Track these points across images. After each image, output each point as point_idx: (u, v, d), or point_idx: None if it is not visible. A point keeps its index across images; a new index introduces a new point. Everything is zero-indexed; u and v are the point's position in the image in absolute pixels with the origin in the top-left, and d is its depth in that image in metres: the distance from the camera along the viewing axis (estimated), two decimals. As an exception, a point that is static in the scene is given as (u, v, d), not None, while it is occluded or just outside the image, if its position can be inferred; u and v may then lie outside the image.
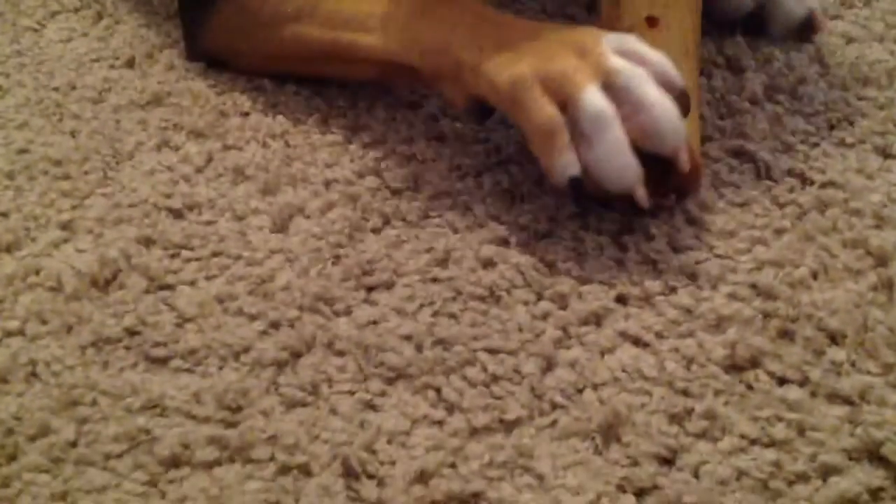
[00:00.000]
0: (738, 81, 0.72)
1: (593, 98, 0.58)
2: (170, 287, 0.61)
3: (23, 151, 0.72)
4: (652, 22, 0.63)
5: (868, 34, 0.76)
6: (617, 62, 0.59)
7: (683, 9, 0.65)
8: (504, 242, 0.63)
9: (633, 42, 0.61)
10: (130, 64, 0.81)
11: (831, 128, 0.69)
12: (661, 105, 0.58)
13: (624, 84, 0.58)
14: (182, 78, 0.78)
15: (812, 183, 0.65)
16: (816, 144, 0.67)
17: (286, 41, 0.74)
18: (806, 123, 0.69)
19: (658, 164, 0.59)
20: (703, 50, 0.75)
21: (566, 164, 0.59)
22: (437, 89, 0.70)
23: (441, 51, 0.65)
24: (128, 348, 0.56)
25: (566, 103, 0.59)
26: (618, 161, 0.58)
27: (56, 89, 0.78)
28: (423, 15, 0.67)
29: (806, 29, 0.78)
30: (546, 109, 0.59)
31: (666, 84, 0.59)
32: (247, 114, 0.75)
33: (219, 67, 0.79)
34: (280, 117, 0.74)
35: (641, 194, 0.59)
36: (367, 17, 0.70)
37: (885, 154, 0.67)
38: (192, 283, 0.61)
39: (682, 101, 0.59)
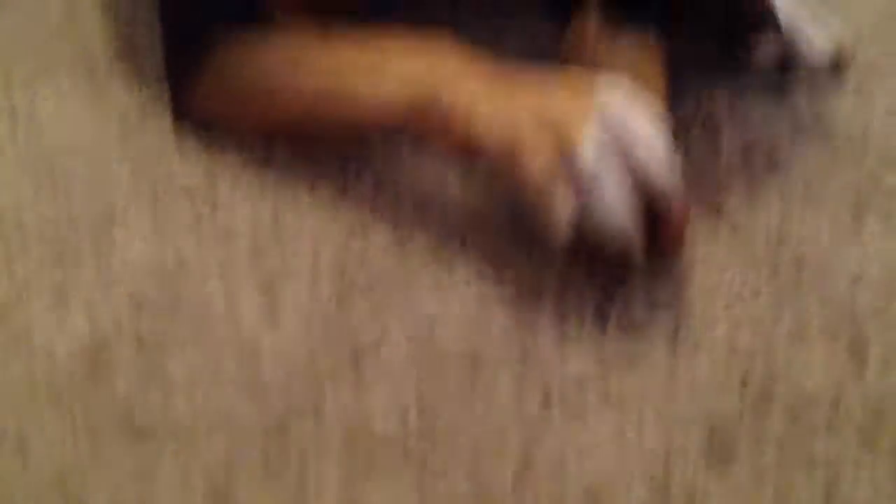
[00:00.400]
0: (715, 141, 0.74)
1: (589, 140, 0.59)
2: (159, 352, 0.62)
3: (14, 215, 0.73)
4: (616, 71, 0.66)
5: (842, 90, 0.78)
6: (611, 102, 0.60)
7: (655, 65, 0.68)
8: (489, 305, 0.64)
9: (623, 83, 0.62)
10: (123, 124, 0.82)
11: (806, 187, 0.70)
12: (653, 147, 0.59)
13: (616, 124, 0.59)
14: (172, 139, 0.79)
15: (788, 243, 0.66)
16: (791, 204, 0.69)
17: (274, 96, 0.75)
18: (781, 183, 0.71)
19: (646, 223, 0.60)
20: (680, 109, 0.77)
21: (562, 209, 0.60)
22: (425, 139, 0.70)
23: (431, 99, 0.65)
24: (117, 417, 0.57)
25: (563, 147, 0.60)
26: (616, 201, 0.59)
27: (47, 149, 0.79)
28: (412, 61, 0.68)
29: (836, 64, 0.79)
30: (543, 154, 0.60)
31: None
32: (237, 174, 0.76)
33: (208, 129, 0.80)
34: (270, 178, 0.75)
35: (637, 241, 0.60)
36: (356, 66, 0.71)
37: (857, 213, 0.68)
38: (181, 348, 0.62)
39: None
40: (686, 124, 0.75)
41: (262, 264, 0.68)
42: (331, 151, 0.77)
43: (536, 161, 0.60)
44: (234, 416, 0.57)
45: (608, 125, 0.60)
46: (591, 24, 0.70)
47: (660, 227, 0.61)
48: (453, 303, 0.64)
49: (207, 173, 0.76)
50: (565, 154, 0.60)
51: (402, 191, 0.74)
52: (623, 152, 0.59)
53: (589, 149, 0.59)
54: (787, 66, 0.79)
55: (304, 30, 0.74)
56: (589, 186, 0.59)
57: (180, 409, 0.58)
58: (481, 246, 0.68)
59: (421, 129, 0.68)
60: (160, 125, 0.81)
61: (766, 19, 0.74)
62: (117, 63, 0.90)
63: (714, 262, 0.66)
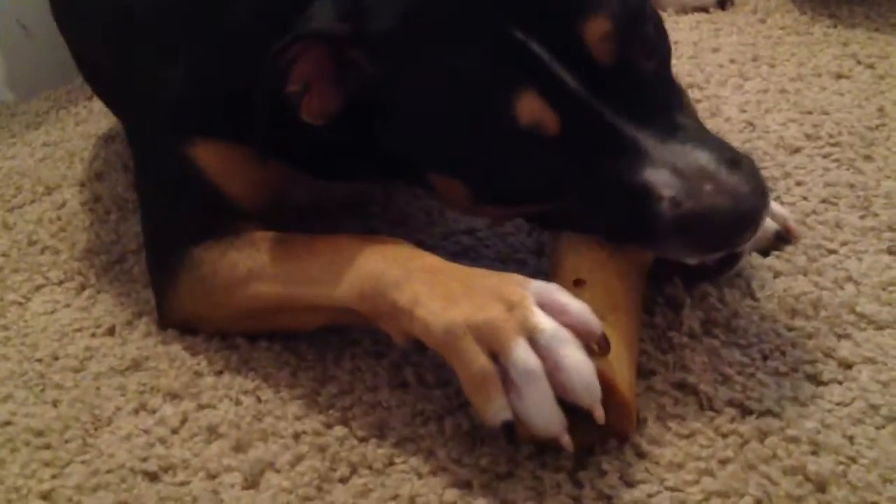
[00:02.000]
0: (677, 317, 0.78)
1: (523, 353, 0.63)
2: (145, 551, 0.63)
3: (6, 424, 0.75)
4: (578, 283, 0.70)
5: (793, 267, 0.83)
6: (540, 320, 0.64)
7: (610, 273, 0.72)
8: (466, 485, 0.66)
9: (554, 292, 0.66)
10: (111, 332, 0.86)
11: (765, 358, 0.74)
12: (577, 367, 0.62)
13: (545, 344, 0.63)
14: (160, 342, 0.83)
15: (751, 412, 0.69)
16: (752, 375, 0.72)
17: (241, 301, 0.79)
18: (741, 355, 0.74)
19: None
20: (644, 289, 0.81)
21: (498, 409, 0.63)
22: (379, 328, 0.73)
23: (378, 295, 0.70)
24: None
25: (498, 354, 0.64)
26: (544, 412, 0.62)
27: (39, 360, 0.83)
28: (361, 261, 0.73)
29: (781, 240, 0.85)
30: (479, 359, 0.64)
31: (584, 332, 0.64)
32: (221, 372, 0.79)
33: (193, 331, 0.84)
34: (252, 373, 0.78)
35: (566, 441, 0.63)
36: (312, 269, 0.76)
37: (816, 381, 0.71)
38: (167, 546, 0.63)
39: (602, 344, 0.64)
40: (650, 303, 0.80)
41: (245, 458, 0.70)
42: (311, 342, 0.80)
43: (474, 362, 0.64)
44: None
45: (537, 341, 0.63)
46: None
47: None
48: (432, 485, 0.66)
49: (193, 373, 0.79)
50: (498, 362, 0.63)
51: (381, 375, 0.77)
52: (551, 366, 0.63)
53: (521, 356, 0.63)
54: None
55: (262, 238, 0.80)
56: (521, 390, 0.63)
57: None
58: (459, 427, 0.70)
59: (370, 313, 0.72)
60: (148, 331, 0.85)
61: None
62: (106, 275, 0.95)
63: (682, 434, 0.68)
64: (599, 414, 0.62)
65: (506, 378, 0.63)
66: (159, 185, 0.87)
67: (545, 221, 0.78)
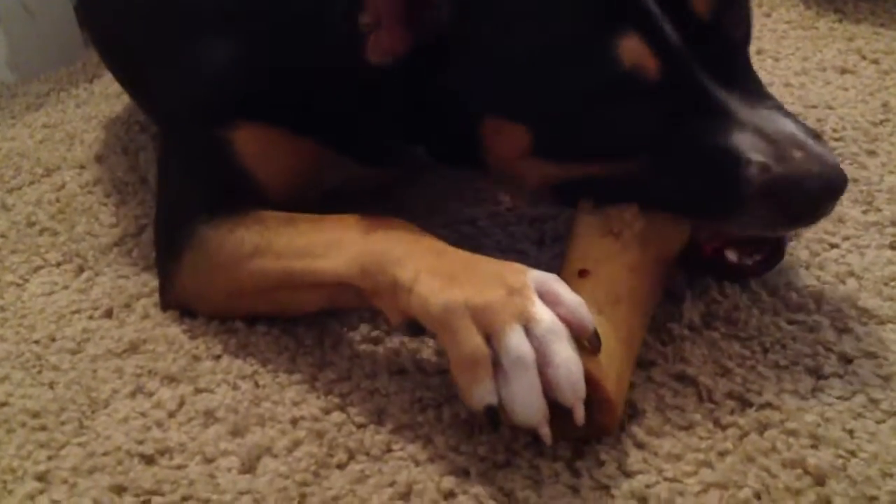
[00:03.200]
0: (677, 310, 0.78)
1: (517, 339, 0.62)
2: (141, 534, 0.63)
3: (2, 405, 0.75)
4: (583, 273, 0.70)
5: (794, 261, 0.83)
6: (539, 310, 0.63)
7: (617, 265, 0.71)
8: (464, 473, 0.65)
9: (552, 282, 0.65)
10: (109, 314, 0.85)
11: (766, 351, 0.73)
12: (566, 365, 0.62)
13: (540, 335, 0.62)
14: (158, 325, 0.82)
15: (751, 405, 0.68)
16: (753, 367, 0.72)
17: (244, 277, 0.79)
18: (741, 348, 0.74)
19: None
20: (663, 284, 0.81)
21: (484, 392, 0.63)
22: (376, 307, 0.73)
23: (380, 270, 0.70)
24: None
25: (492, 336, 0.63)
26: (529, 401, 0.62)
27: (37, 342, 0.82)
28: (366, 237, 0.73)
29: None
30: (474, 339, 0.63)
31: (576, 326, 0.63)
32: (219, 356, 0.79)
33: (192, 315, 0.83)
34: (250, 358, 0.78)
35: (545, 433, 0.63)
36: (317, 245, 0.75)
37: (817, 375, 0.71)
38: (163, 529, 0.63)
39: (592, 342, 0.64)
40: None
41: (243, 442, 0.69)
42: (309, 327, 0.80)
43: (469, 342, 0.63)
44: (212, 592, 0.57)
45: (532, 331, 0.63)
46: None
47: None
48: (430, 472, 0.66)
49: (191, 357, 0.79)
50: (491, 345, 0.63)
51: (379, 361, 0.76)
52: (541, 359, 0.62)
53: (516, 343, 0.62)
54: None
55: (271, 216, 0.79)
56: (509, 376, 0.62)
57: (159, 587, 0.58)
58: (457, 416, 0.70)
59: (370, 288, 0.71)
60: (146, 314, 0.85)
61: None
62: (104, 257, 0.94)
63: (681, 425, 0.68)
64: (580, 415, 0.62)
65: (496, 362, 0.63)
66: (184, 165, 0.86)
67: (593, 191, 0.74)
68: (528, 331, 0.63)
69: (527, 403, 0.62)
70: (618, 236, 0.72)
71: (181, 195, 0.86)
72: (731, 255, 0.76)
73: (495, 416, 0.63)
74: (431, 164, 0.85)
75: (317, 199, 0.85)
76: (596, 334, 0.64)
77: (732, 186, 0.68)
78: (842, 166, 0.95)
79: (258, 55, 0.82)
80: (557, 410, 0.63)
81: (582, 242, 0.73)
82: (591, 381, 0.63)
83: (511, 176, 0.78)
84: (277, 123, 0.82)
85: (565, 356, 0.62)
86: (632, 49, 0.67)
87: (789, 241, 0.82)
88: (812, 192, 0.67)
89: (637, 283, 0.71)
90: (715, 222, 0.72)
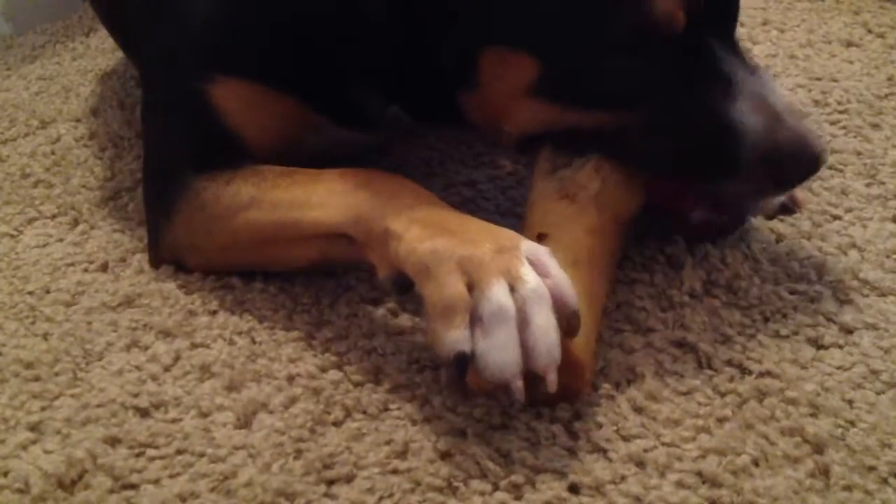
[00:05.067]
0: (678, 277, 0.77)
1: (500, 292, 0.61)
2: (134, 486, 0.62)
3: (-5, 354, 0.74)
4: (541, 236, 0.69)
5: (796, 232, 0.82)
6: (526, 271, 0.62)
7: (575, 227, 0.70)
8: (461, 434, 0.65)
9: (544, 254, 0.65)
10: (104, 268, 0.84)
11: (766, 320, 0.73)
12: (544, 330, 0.61)
13: (524, 295, 0.61)
14: (153, 280, 0.82)
15: (750, 373, 0.68)
16: (753, 336, 0.71)
17: (239, 229, 0.78)
18: (742, 316, 0.73)
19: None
20: (645, 248, 0.80)
21: (458, 339, 0.61)
22: (367, 259, 0.72)
23: (374, 218, 0.70)
24: (91, 548, 0.57)
25: (473, 287, 0.62)
26: (504, 355, 0.60)
27: (31, 293, 0.81)
28: (364, 187, 0.72)
29: (787, 210, 0.83)
30: (456, 285, 0.62)
31: (560, 303, 0.62)
32: (215, 312, 0.78)
33: (187, 270, 0.82)
34: (247, 314, 0.77)
35: (518, 386, 0.61)
36: (313, 195, 0.75)
37: (817, 345, 0.71)
38: (156, 482, 0.62)
39: (572, 321, 0.63)
40: (650, 262, 0.79)
41: (238, 398, 0.69)
42: (307, 286, 0.79)
43: (450, 287, 0.62)
44: (207, 545, 0.57)
45: (516, 290, 0.62)
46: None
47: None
48: (426, 432, 0.65)
49: (186, 312, 0.78)
50: (472, 295, 0.62)
51: (377, 321, 0.76)
52: (521, 319, 0.61)
53: (499, 295, 0.61)
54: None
55: (268, 169, 0.79)
56: (487, 327, 0.61)
57: (153, 539, 0.58)
58: (453, 374, 0.69)
59: (362, 237, 0.71)
60: (141, 268, 0.84)
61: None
62: (100, 210, 0.93)
63: (680, 391, 0.67)
64: (553, 380, 0.61)
65: (474, 315, 0.61)
66: (168, 119, 0.85)
67: (591, 144, 0.73)
68: (513, 289, 0.62)
69: (502, 356, 0.60)
70: (573, 199, 0.71)
71: (168, 149, 0.85)
72: (698, 215, 0.76)
73: (465, 367, 0.61)
74: (410, 128, 0.85)
75: (302, 163, 0.84)
76: (576, 313, 0.63)
77: (733, 151, 0.68)
78: (846, 139, 0.96)
79: (237, 5, 0.81)
80: (528, 375, 0.61)
81: (539, 207, 0.73)
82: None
83: (493, 127, 0.77)
84: (255, 79, 0.80)
85: (545, 320, 0.61)
86: None
87: (795, 213, 0.82)
88: (803, 162, 0.69)
89: (595, 244, 0.71)
90: (709, 184, 0.72)
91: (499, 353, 0.60)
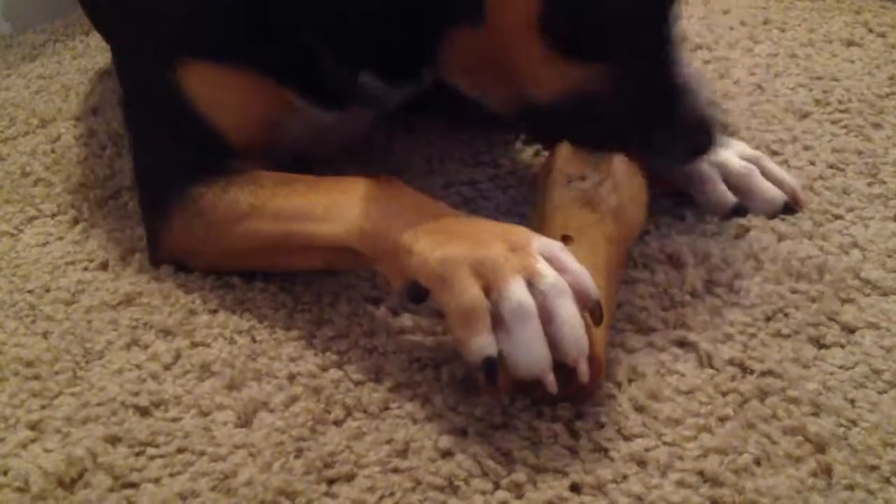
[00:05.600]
0: (680, 276, 0.77)
1: (519, 290, 0.62)
2: (134, 485, 0.62)
3: (-5, 352, 0.74)
4: (566, 239, 0.69)
5: (798, 231, 0.82)
6: (543, 266, 0.63)
7: (597, 234, 0.71)
8: (462, 433, 0.65)
9: (558, 250, 0.65)
10: (104, 266, 0.84)
11: (767, 319, 0.73)
12: (570, 322, 0.61)
13: (544, 290, 0.62)
14: (153, 279, 0.81)
15: (752, 372, 0.68)
16: (754, 335, 0.71)
17: (239, 237, 0.78)
18: (744, 315, 0.73)
19: (561, 369, 0.62)
20: (646, 247, 0.80)
21: (484, 344, 0.62)
22: (377, 271, 0.72)
23: (381, 233, 0.69)
24: (91, 547, 0.57)
25: (491, 289, 0.62)
26: (532, 351, 0.61)
27: (31, 292, 0.81)
28: (366, 200, 0.72)
29: (788, 209, 0.84)
30: (472, 290, 0.62)
31: (581, 295, 0.63)
32: (215, 311, 0.78)
33: (188, 269, 0.82)
34: (247, 313, 0.77)
35: (551, 380, 0.61)
36: (315, 207, 0.74)
37: (819, 344, 0.71)
38: (157, 481, 0.62)
39: (595, 312, 0.63)
40: (651, 261, 0.79)
41: (239, 396, 0.69)
42: (308, 284, 0.79)
43: (467, 293, 0.62)
44: (207, 544, 0.57)
45: (535, 286, 0.62)
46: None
47: (572, 380, 0.62)
48: (427, 430, 0.65)
49: (187, 311, 0.78)
50: (490, 298, 0.62)
51: (378, 320, 0.76)
52: (544, 315, 0.61)
53: (517, 293, 0.61)
54: (741, 212, 0.84)
55: (266, 176, 0.78)
56: (510, 327, 0.61)
57: (154, 538, 0.57)
58: (455, 376, 0.69)
59: (370, 252, 0.71)
60: (141, 267, 0.84)
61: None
62: (100, 209, 0.93)
63: (682, 390, 0.67)
64: (584, 369, 0.61)
65: (496, 317, 0.62)
66: (148, 116, 0.85)
67: (561, 122, 0.76)
68: (531, 285, 0.62)
69: (530, 353, 0.61)
70: (595, 208, 0.72)
71: (157, 150, 0.84)
72: None
73: (494, 371, 0.62)
74: (383, 102, 0.84)
75: (294, 158, 0.84)
76: (598, 304, 0.63)
77: (669, 118, 0.74)
78: (847, 138, 0.96)
79: None
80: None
81: (561, 212, 0.73)
82: None
83: (482, 85, 0.77)
84: (220, 59, 0.80)
85: (570, 312, 0.61)
86: None
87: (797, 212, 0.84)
88: (713, 136, 0.76)
89: (613, 254, 0.71)
90: (647, 150, 0.76)
91: (527, 350, 0.61)
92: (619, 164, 0.75)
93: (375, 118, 0.93)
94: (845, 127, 0.97)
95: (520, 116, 0.78)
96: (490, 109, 0.80)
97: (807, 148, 0.94)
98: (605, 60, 0.73)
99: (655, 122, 0.74)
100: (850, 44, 1.16)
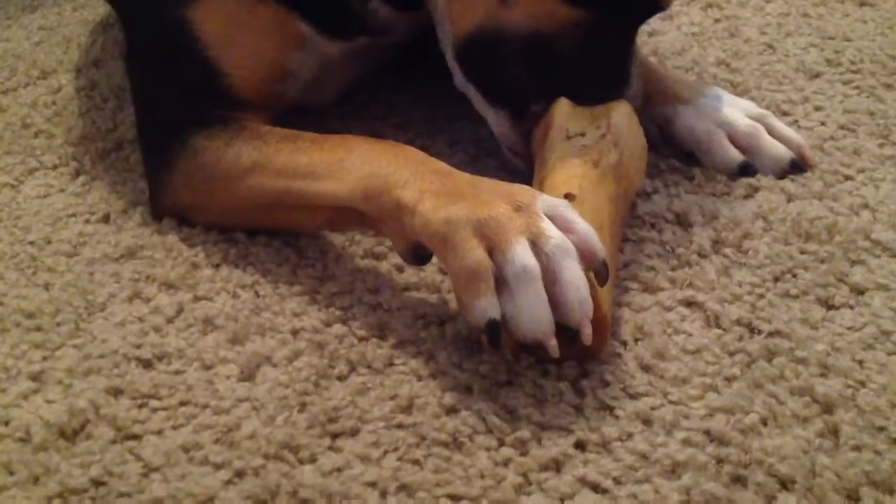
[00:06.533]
0: (687, 235, 0.76)
1: (522, 251, 0.61)
2: (136, 437, 0.62)
3: (-4, 303, 0.73)
4: (569, 196, 0.68)
5: (808, 192, 0.81)
6: (548, 227, 0.62)
7: (600, 193, 0.70)
8: (466, 389, 0.65)
9: (564, 208, 0.64)
10: (106, 219, 0.83)
11: (776, 280, 0.72)
12: (575, 285, 0.60)
13: (549, 252, 0.61)
14: (156, 232, 0.81)
15: (759, 332, 0.67)
16: (762, 295, 0.71)
17: (242, 193, 0.77)
18: (752, 275, 0.72)
19: (566, 330, 0.62)
20: (654, 206, 0.79)
21: (487, 306, 0.61)
22: (380, 232, 0.72)
23: (384, 192, 0.68)
24: (93, 499, 0.57)
25: (494, 250, 0.62)
26: (535, 314, 0.60)
27: (32, 243, 0.80)
28: (371, 160, 0.71)
29: (796, 167, 0.83)
30: (476, 252, 0.62)
31: (587, 254, 0.62)
32: (218, 265, 0.77)
33: (191, 223, 0.81)
34: (251, 268, 0.77)
35: (553, 345, 0.61)
36: (318, 165, 0.73)
37: (827, 305, 0.70)
38: (159, 433, 0.62)
39: (601, 271, 0.62)
40: (658, 220, 0.78)
41: (242, 350, 0.68)
42: (312, 240, 0.78)
43: (470, 254, 0.62)
44: (210, 497, 0.56)
45: (540, 247, 0.61)
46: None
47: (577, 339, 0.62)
48: (432, 387, 0.65)
49: (190, 264, 0.77)
50: (494, 259, 0.61)
51: (382, 276, 0.75)
52: (548, 276, 0.61)
53: (521, 254, 0.61)
54: (749, 172, 0.83)
55: (271, 131, 0.77)
56: (513, 289, 0.61)
57: (156, 490, 0.57)
58: (459, 333, 0.69)
59: (374, 213, 0.70)
60: (144, 220, 0.83)
61: None
62: (101, 161, 0.92)
63: (688, 350, 0.67)
64: (588, 332, 0.61)
65: (499, 278, 0.61)
66: (153, 64, 0.84)
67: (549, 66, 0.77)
68: (536, 246, 0.61)
69: (533, 316, 0.60)
70: (596, 165, 0.71)
71: (160, 97, 0.83)
72: None
73: (497, 333, 0.62)
74: (394, 30, 0.84)
75: (295, 109, 0.83)
76: (605, 263, 0.63)
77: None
78: (858, 99, 0.94)
79: None
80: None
81: (562, 169, 0.72)
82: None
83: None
84: None
85: (573, 274, 0.61)
86: None
87: (806, 171, 0.83)
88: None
89: (614, 212, 0.71)
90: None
91: (529, 312, 0.60)
92: (619, 119, 0.74)
93: (379, 60, 0.92)
94: (857, 87, 0.96)
95: (476, 41, 0.78)
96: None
97: (818, 108, 0.93)
98: (590, 9, 0.74)
99: (610, 82, 0.77)
100: (862, 4, 1.14)
